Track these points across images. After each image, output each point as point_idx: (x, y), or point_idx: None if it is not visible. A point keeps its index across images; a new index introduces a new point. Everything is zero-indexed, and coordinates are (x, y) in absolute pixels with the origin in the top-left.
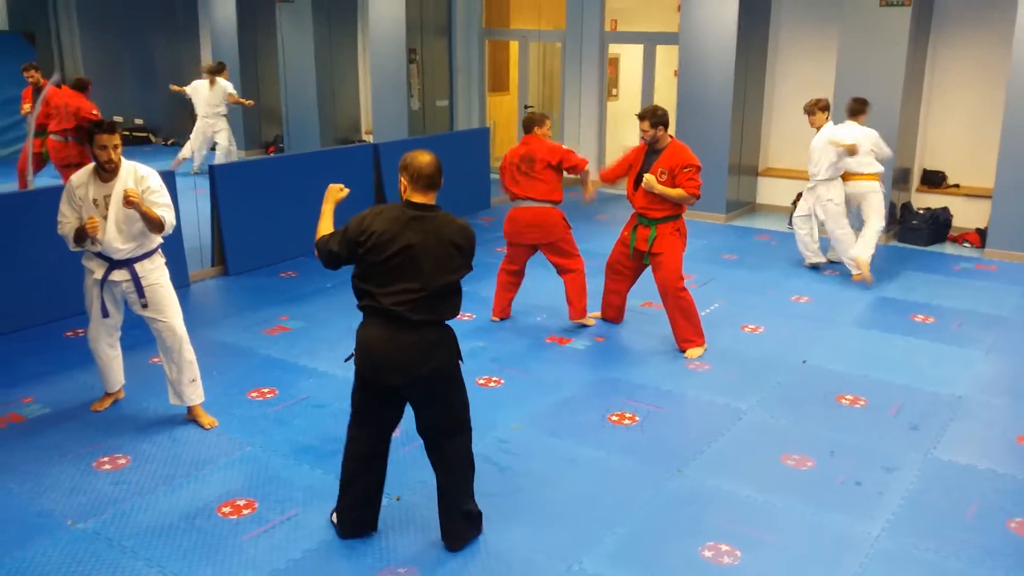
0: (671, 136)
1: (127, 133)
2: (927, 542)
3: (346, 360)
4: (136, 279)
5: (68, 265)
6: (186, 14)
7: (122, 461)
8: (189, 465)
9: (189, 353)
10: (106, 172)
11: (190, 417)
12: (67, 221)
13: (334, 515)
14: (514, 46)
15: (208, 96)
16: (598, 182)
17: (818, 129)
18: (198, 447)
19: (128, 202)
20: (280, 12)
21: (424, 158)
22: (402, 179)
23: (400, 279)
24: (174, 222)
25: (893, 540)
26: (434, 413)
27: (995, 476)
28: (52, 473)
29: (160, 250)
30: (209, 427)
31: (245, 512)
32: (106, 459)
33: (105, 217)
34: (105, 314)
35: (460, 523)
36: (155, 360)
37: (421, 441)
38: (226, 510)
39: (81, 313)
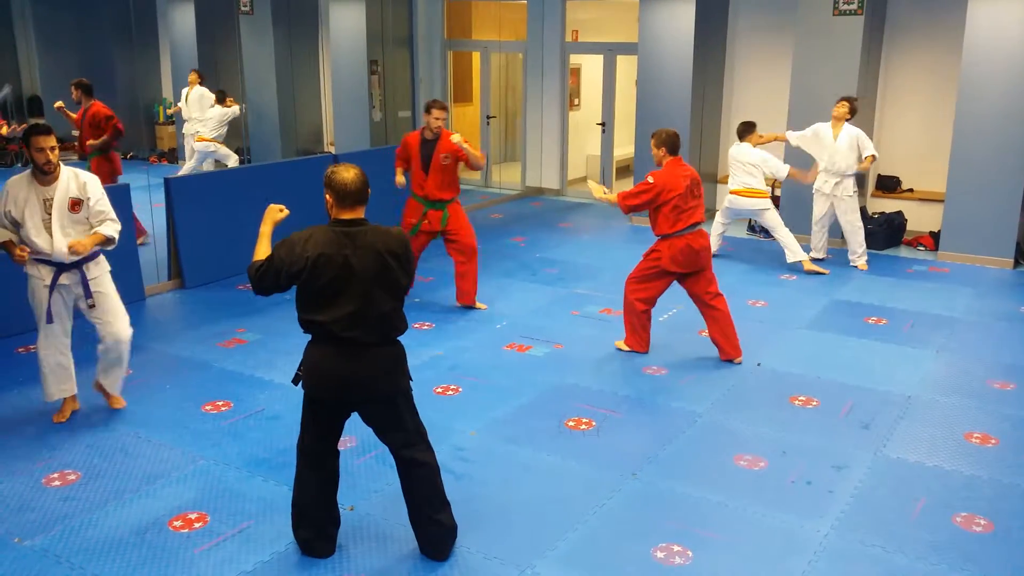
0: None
1: None
2: (875, 538)
3: (295, 383)
4: (84, 280)
5: (19, 280)
6: (145, 27)
7: (72, 477)
8: (140, 480)
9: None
10: (45, 175)
11: (100, 389)
12: None
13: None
14: (476, 57)
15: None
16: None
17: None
18: (150, 461)
19: (74, 251)
20: (240, 24)
21: (348, 174)
22: (328, 196)
23: (344, 301)
24: (119, 228)
25: (841, 537)
26: (388, 433)
27: (942, 473)
28: (0, 491)
29: (104, 255)
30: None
31: (197, 525)
32: (56, 475)
33: (48, 220)
34: (49, 319)
35: (435, 531)
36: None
37: (375, 452)
38: (177, 524)
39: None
